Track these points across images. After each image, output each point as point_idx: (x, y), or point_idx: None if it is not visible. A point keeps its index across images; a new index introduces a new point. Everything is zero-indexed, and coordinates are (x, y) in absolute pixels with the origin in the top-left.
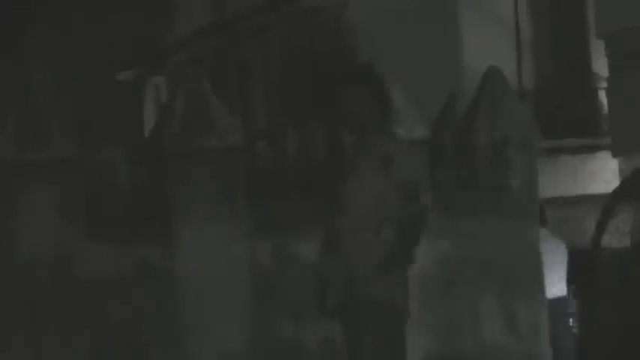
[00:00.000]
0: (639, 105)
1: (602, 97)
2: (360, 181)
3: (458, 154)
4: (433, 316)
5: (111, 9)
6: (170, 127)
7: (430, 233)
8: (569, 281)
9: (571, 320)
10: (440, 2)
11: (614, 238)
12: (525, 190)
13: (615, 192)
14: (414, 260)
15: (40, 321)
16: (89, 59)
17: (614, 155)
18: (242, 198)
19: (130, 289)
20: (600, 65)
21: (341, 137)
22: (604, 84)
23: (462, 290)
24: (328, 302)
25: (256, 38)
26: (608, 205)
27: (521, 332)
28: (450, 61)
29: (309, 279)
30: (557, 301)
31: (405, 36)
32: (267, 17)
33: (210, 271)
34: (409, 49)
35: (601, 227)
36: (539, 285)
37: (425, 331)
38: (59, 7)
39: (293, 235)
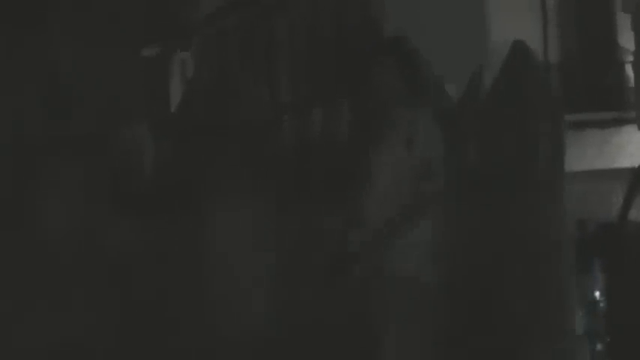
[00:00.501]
0: None
1: (629, 70)
2: (384, 157)
3: (483, 128)
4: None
5: None
6: (196, 102)
7: (452, 209)
8: (596, 255)
9: (598, 294)
10: None
11: None
12: (551, 163)
13: None
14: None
15: (65, 296)
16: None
17: None
18: (268, 173)
19: (156, 265)
20: (626, 38)
21: (366, 112)
22: (630, 57)
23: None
24: (353, 276)
25: (282, 11)
26: (635, 178)
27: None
28: (476, 34)
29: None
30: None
31: (431, 9)
32: None
33: (236, 247)
34: (435, 22)
35: (628, 201)
36: (565, 257)
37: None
38: None
39: (319, 211)
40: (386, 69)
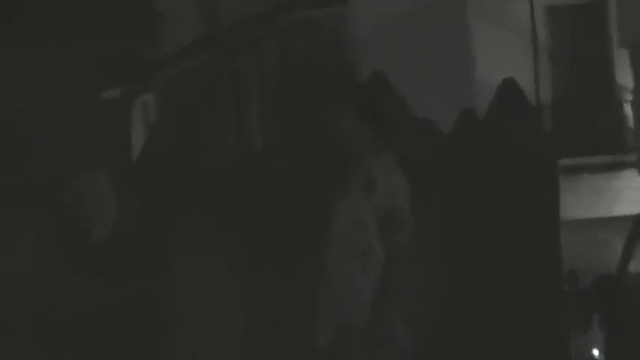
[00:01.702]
0: None
1: (627, 109)
2: (345, 205)
3: (467, 173)
4: None
5: (93, 23)
6: (160, 149)
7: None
8: (594, 311)
9: (596, 352)
10: (448, 11)
11: None
12: (544, 211)
13: None
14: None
15: (26, 356)
16: (71, 77)
17: None
18: (236, 223)
19: (120, 322)
20: (624, 75)
21: (332, 157)
22: (629, 96)
23: None
24: (321, 339)
25: (251, 51)
26: (635, 227)
27: None
28: (461, 74)
29: (303, 309)
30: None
31: (411, 48)
32: (262, 29)
33: (203, 301)
34: (416, 62)
35: (628, 252)
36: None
37: None
38: (38, 23)
39: (288, 262)
40: (350, 113)
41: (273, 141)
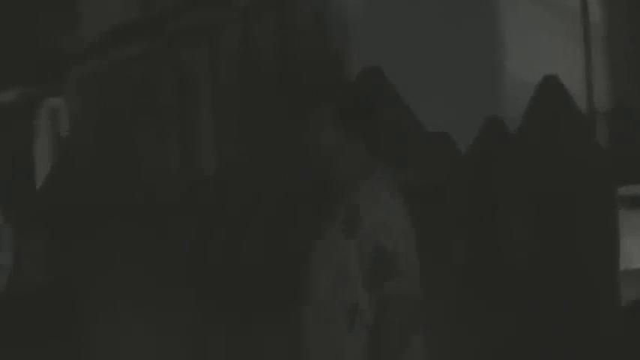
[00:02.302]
0: None
1: None
2: (326, 247)
3: (485, 208)
4: None
5: None
6: (74, 173)
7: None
8: None
9: None
10: None
11: None
12: (600, 253)
13: None
14: None
15: None
16: None
17: None
18: (181, 272)
19: None
20: None
21: (311, 181)
22: None
23: None
24: None
25: (202, 41)
26: None
27: None
28: (486, 70)
29: None
30: None
31: (417, 35)
32: (216, 10)
33: None
34: (424, 53)
35: None
36: None
37: None
38: None
39: (251, 324)
40: (334, 120)
41: (232, 160)
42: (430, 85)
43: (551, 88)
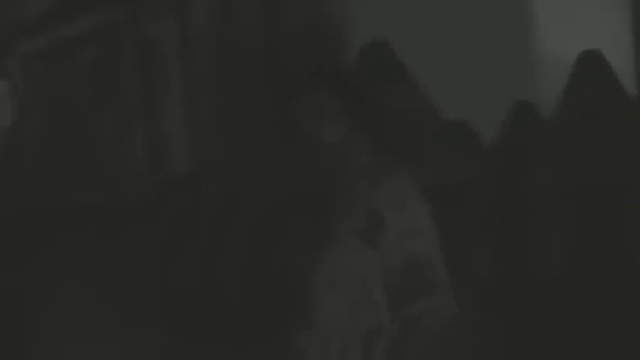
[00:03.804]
0: None
1: None
2: (334, 264)
3: (518, 206)
4: None
5: None
6: (22, 171)
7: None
8: None
9: None
10: None
11: None
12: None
13: None
14: None
15: None
16: None
17: None
18: (146, 297)
19: None
20: None
21: (308, 181)
22: None
23: None
24: None
25: (171, 11)
26: None
27: None
28: (516, 46)
29: None
30: None
31: (436, 5)
32: None
33: None
34: (444, 28)
35: None
36: None
37: None
38: None
39: (238, 356)
40: (335, 108)
41: (208, 157)
42: (448, 64)
43: (591, 65)
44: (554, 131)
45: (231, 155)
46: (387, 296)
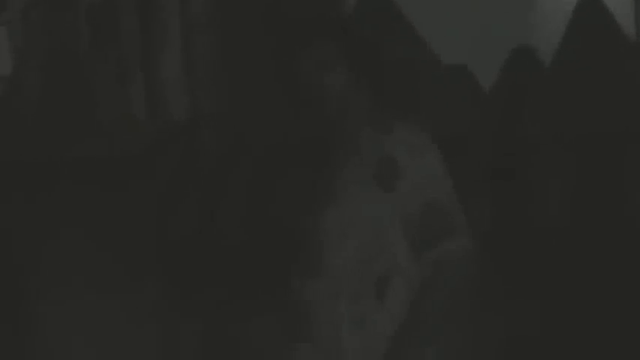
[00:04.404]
0: None
1: None
2: (344, 209)
3: (509, 164)
4: None
5: None
6: (20, 121)
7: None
8: None
9: None
10: None
11: None
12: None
13: None
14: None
15: None
16: None
17: None
18: (146, 248)
19: None
20: None
21: (310, 134)
22: None
23: None
24: None
25: None
26: None
27: None
28: None
29: None
30: None
31: None
32: None
33: None
34: None
35: None
36: None
37: None
38: None
39: (238, 313)
40: (331, 64)
41: (208, 105)
42: (448, 10)
43: (590, 10)
44: (553, 76)
45: (231, 103)
46: (408, 240)
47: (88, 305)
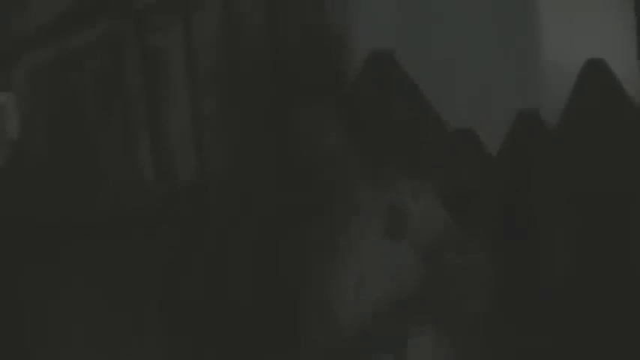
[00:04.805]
0: None
1: None
2: (353, 264)
3: (515, 223)
4: None
5: None
6: (26, 184)
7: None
8: None
9: None
10: None
11: None
12: None
13: None
14: None
15: None
16: None
17: None
18: (153, 310)
19: None
20: None
21: (311, 196)
22: None
23: None
24: None
25: (175, 21)
26: None
27: None
28: (520, 54)
29: None
30: None
31: (440, 14)
32: None
33: None
34: (447, 36)
35: None
36: None
37: None
38: None
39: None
40: (336, 119)
41: (214, 165)
42: (455, 73)
43: (596, 74)
44: (558, 139)
45: (236, 165)
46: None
47: None
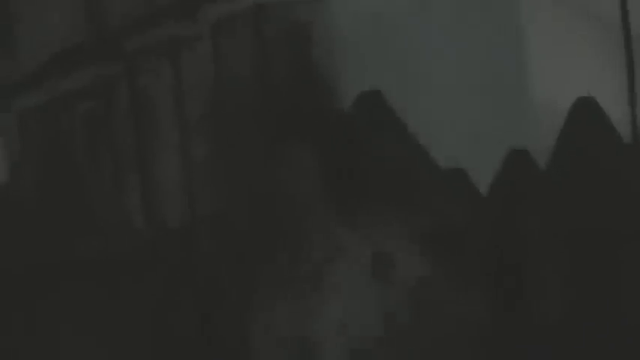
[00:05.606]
0: None
1: None
2: (340, 306)
3: (506, 261)
4: None
5: None
6: (16, 226)
7: None
8: None
9: None
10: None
11: None
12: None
13: None
14: None
15: None
16: None
17: None
18: (142, 349)
19: None
20: None
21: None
22: None
23: None
24: None
25: (163, 61)
26: None
27: None
28: (510, 93)
29: None
30: None
31: (429, 54)
32: (182, 29)
33: None
34: (437, 76)
35: None
36: None
37: None
38: None
39: None
40: (317, 155)
41: (202, 210)
42: (441, 113)
43: (586, 112)
44: (549, 178)
45: (225, 206)
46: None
47: None
